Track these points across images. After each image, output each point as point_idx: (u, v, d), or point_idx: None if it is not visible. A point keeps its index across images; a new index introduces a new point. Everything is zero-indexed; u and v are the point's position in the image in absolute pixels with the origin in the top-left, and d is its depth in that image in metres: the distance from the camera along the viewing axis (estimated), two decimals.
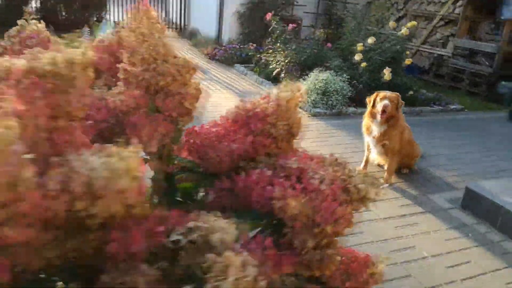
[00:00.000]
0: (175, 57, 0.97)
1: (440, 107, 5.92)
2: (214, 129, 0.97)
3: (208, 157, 0.93)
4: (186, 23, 11.93)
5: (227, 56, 8.30)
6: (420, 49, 8.14)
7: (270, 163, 0.92)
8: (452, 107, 6.05)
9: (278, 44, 6.60)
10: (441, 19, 7.81)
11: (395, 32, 5.91)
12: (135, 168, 0.64)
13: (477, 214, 3.05)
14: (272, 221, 0.83)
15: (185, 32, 11.63)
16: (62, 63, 0.70)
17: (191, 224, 0.71)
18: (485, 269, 2.48)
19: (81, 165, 0.62)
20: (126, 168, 0.63)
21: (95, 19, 10.23)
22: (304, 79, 5.52)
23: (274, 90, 0.94)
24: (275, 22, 6.58)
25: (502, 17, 6.57)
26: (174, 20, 12.22)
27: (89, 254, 0.65)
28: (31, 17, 1.17)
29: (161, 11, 13.13)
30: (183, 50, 9.50)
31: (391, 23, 5.97)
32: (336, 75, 5.44)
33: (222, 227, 0.71)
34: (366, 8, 9.28)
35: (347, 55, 6.30)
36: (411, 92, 5.72)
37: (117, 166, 0.63)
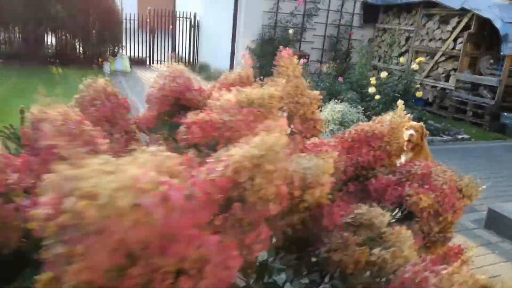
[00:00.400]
0: (306, 91, 1.26)
1: (449, 137, 6.26)
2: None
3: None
4: (195, 58, 12.42)
5: None
6: (423, 82, 8.57)
7: (386, 172, 1.19)
8: (460, 136, 6.39)
9: None
10: (442, 55, 8.28)
11: (404, 66, 6.33)
12: (331, 168, 0.91)
13: (501, 233, 3.31)
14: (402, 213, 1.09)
15: (195, 67, 12.10)
16: (267, 96, 0.98)
17: (357, 210, 0.97)
18: None
19: (298, 165, 0.89)
20: (327, 168, 0.90)
21: (109, 53, 10.67)
22: (321, 111, 5.85)
23: (387, 116, 1.23)
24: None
25: (503, 53, 7.03)
26: (182, 55, 12.72)
27: (297, 228, 0.91)
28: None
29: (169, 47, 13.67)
30: (197, 82, 9.90)
31: (402, 59, 6.39)
32: (351, 107, 5.79)
33: (380, 213, 0.97)
34: (369, 44, 9.82)
35: (356, 88, 6.70)
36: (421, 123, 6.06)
37: (322, 166, 0.90)
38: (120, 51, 10.93)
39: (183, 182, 0.56)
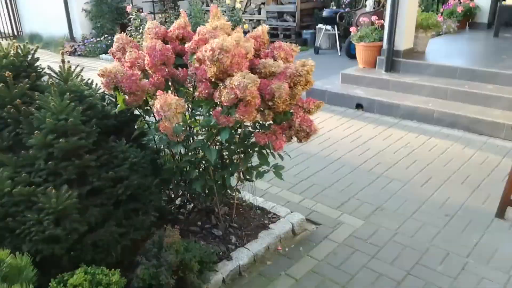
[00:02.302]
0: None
1: None
2: None
3: None
4: (19, 29, 12.04)
5: (89, 49, 9.40)
6: (241, 17, 10.59)
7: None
8: None
9: (141, 30, 8.14)
10: None
11: (228, 5, 8.11)
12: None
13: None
14: None
15: (22, 38, 11.81)
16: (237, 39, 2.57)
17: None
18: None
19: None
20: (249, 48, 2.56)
21: None
22: None
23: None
24: (135, 13, 8.09)
25: None
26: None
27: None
28: None
29: None
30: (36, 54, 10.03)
31: (228, 1, 8.13)
32: None
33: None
34: None
35: None
36: None
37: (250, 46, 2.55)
38: None
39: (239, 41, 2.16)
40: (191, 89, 2.48)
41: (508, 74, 4.75)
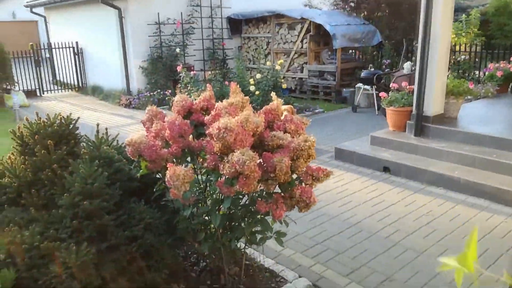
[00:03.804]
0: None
1: (310, 112, 8.78)
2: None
3: None
4: (84, 82, 13.32)
5: (142, 102, 10.21)
6: (286, 76, 11.11)
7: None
8: (317, 110, 8.96)
9: (189, 87, 8.80)
10: (295, 53, 10.90)
11: (269, 66, 8.62)
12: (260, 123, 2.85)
13: (344, 160, 5.69)
14: None
15: (86, 90, 13.04)
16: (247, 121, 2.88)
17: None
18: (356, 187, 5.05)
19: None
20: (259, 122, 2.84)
21: (2, 91, 11.11)
22: None
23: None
24: (184, 72, 8.80)
25: (334, 47, 9.83)
26: (67, 81, 13.49)
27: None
28: None
29: (49, 73, 14.23)
30: (95, 105, 11.05)
31: (269, 62, 8.67)
32: None
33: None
34: (239, 51, 12.11)
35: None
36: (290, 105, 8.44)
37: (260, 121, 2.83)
38: (14, 87, 11.43)
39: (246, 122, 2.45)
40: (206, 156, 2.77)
41: None
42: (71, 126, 2.80)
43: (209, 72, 11.20)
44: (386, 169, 5.32)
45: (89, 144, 2.69)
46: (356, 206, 4.45)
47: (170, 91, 10.09)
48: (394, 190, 4.83)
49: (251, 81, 8.11)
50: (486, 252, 3.51)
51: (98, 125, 2.79)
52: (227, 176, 2.34)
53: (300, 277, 3.12)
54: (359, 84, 9.25)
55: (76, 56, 13.09)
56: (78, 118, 2.87)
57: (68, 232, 2.32)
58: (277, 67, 8.27)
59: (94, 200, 2.35)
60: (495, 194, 4.36)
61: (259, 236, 2.76)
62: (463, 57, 9.55)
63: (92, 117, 9.07)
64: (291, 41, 10.92)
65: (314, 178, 2.65)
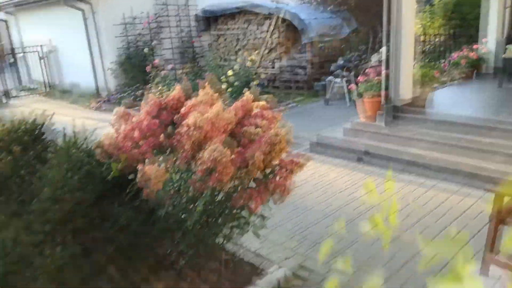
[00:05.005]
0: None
1: (284, 106, 8.85)
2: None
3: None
4: (53, 85, 12.93)
5: (113, 104, 10.03)
6: (258, 71, 11.12)
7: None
8: (290, 105, 9.03)
9: (160, 86, 8.70)
10: (265, 49, 10.92)
11: (240, 63, 8.63)
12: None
13: (319, 152, 5.75)
14: None
15: (55, 94, 12.66)
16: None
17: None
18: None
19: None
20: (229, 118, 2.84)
21: None
22: None
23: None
24: (154, 72, 8.70)
25: (304, 42, 9.90)
26: (34, 86, 13.07)
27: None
28: None
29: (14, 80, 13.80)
30: (65, 108, 10.77)
31: (239, 59, 8.66)
32: None
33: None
34: (210, 48, 12.05)
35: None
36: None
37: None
38: None
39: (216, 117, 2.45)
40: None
41: (505, 128, 4.84)
42: (37, 131, 2.74)
43: (180, 71, 11.10)
44: (359, 159, 5.41)
45: (57, 149, 2.63)
46: (332, 196, 4.52)
47: (141, 91, 9.95)
48: (367, 179, 4.91)
49: (223, 79, 8.09)
50: (459, 233, 3.61)
51: (64, 128, 2.73)
52: (199, 174, 2.34)
53: (280, 268, 3.14)
54: (330, 77, 9.36)
55: (42, 60, 12.72)
56: (45, 122, 2.80)
57: (41, 237, 2.27)
58: (248, 64, 8.27)
59: (66, 204, 2.31)
60: (466, 178, 4.50)
61: (236, 231, 2.77)
62: (428, 47, 9.80)
63: (62, 121, 8.84)
64: (261, 37, 10.94)
65: (287, 170, 2.68)
